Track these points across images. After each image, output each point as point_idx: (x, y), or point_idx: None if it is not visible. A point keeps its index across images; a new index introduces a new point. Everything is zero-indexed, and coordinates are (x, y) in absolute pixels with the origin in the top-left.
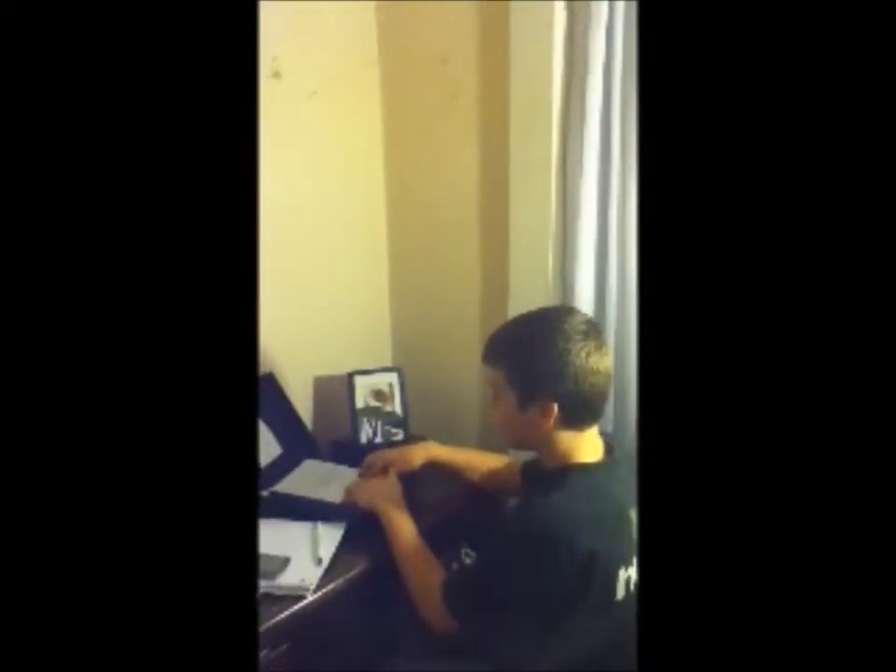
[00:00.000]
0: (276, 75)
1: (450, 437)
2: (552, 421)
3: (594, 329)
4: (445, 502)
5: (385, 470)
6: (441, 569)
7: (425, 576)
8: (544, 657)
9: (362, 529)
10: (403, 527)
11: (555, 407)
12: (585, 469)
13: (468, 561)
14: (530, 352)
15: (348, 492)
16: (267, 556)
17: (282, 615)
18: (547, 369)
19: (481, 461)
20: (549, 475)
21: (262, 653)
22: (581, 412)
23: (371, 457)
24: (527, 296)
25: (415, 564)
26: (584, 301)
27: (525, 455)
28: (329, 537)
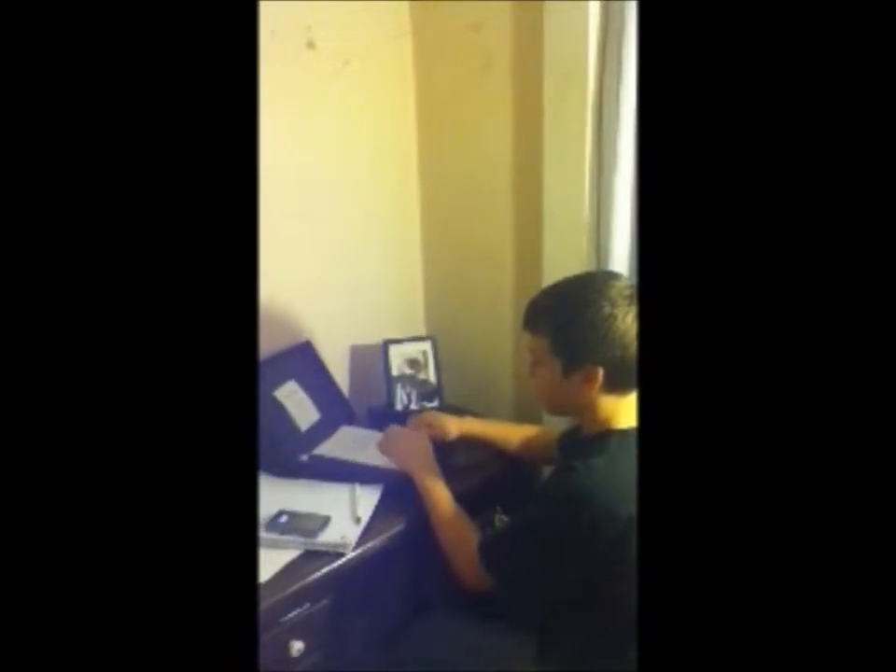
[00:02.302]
0: (310, 45)
1: (483, 404)
2: (596, 386)
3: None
4: (479, 467)
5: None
6: (475, 529)
7: (460, 535)
8: (580, 619)
9: (399, 491)
10: (437, 491)
11: (601, 372)
12: (626, 434)
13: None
14: (575, 317)
15: (380, 443)
16: (308, 515)
17: (322, 571)
18: (593, 334)
19: (515, 433)
20: (589, 440)
21: (304, 607)
22: (626, 377)
23: (417, 419)
24: (562, 264)
25: (451, 524)
26: (620, 269)
27: (560, 426)
28: (368, 498)
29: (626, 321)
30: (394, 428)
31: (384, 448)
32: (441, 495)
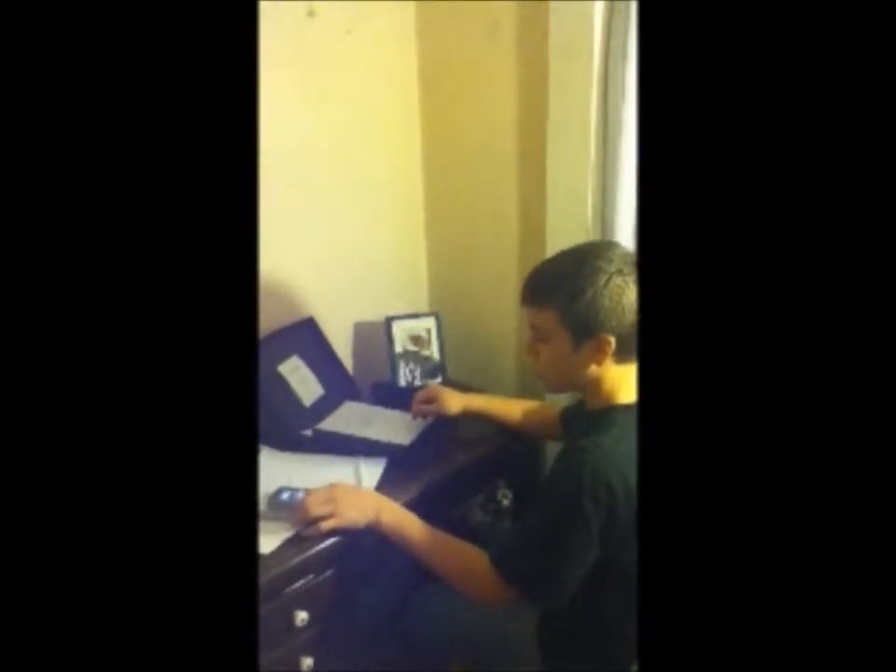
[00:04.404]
0: (311, 14)
1: (487, 380)
2: (608, 356)
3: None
4: (482, 441)
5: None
6: (474, 547)
7: (464, 560)
8: (600, 602)
9: (402, 465)
10: (414, 527)
11: (613, 341)
12: (631, 409)
13: (504, 502)
14: (586, 286)
15: (316, 508)
16: (313, 489)
17: (326, 542)
18: (604, 302)
19: (519, 408)
20: (594, 416)
21: (308, 578)
22: (636, 345)
23: (421, 394)
24: (566, 237)
25: (447, 555)
26: (624, 242)
27: (563, 402)
28: (371, 472)
29: (633, 287)
30: (331, 486)
31: (325, 511)
32: (419, 530)
